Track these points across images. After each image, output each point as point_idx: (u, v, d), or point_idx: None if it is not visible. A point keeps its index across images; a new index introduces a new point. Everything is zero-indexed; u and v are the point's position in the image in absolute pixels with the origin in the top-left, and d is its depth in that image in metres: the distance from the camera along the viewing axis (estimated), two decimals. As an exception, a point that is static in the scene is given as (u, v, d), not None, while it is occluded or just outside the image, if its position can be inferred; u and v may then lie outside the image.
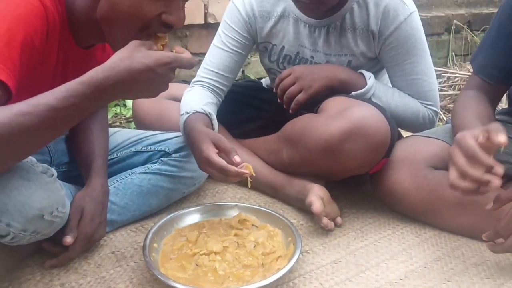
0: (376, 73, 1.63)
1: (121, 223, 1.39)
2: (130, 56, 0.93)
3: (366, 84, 1.50)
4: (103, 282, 1.19)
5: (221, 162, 1.27)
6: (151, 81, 0.95)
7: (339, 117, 1.37)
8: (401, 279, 1.23)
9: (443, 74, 2.85)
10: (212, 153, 1.29)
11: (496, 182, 1.04)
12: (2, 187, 0.98)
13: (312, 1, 1.41)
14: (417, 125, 1.58)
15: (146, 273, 1.21)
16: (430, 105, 1.56)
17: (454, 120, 1.39)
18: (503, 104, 2.13)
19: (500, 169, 1.05)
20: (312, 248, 1.34)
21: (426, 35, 2.79)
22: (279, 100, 1.56)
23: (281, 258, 1.20)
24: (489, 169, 1.05)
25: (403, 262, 1.29)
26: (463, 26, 3.10)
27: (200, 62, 1.63)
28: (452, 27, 3.08)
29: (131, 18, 1.02)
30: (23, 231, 1.04)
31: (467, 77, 2.51)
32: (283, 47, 1.63)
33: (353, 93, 1.50)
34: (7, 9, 0.94)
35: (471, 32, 3.17)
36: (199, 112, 1.49)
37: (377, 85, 1.53)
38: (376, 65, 1.61)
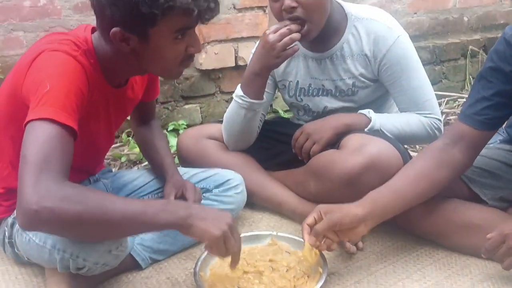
0: (382, 97, 1.85)
1: (172, 252, 1.61)
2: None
3: (369, 119, 1.71)
4: (162, 303, 1.42)
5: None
6: None
7: (357, 153, 1.58)
8: (415, 296, 1.42)
9: (458, 100, 3.00)
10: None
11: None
12: None
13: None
14: (427, 136, 1.76)
15: (196, 295, 1.43)
16: (429, 114, 1.75)
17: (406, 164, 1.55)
18: None
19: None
20: (338, 271, 1.54)
21: (443, 61, 2.96)
22: (299, 158, 1.77)
23: (310, 280, 1.41)
24: None
25: (417, 281, 1.48)
26: (478, 50, 3.24)
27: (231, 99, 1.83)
28: (468, 52, 3.23)
29: (170, 59, 1.33)
30: (95, 264, 1.31)
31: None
32: (298, 81, 1.87)
33: (366, 129, 1.70)
34: (59, 67, 1.23)
35: (486, 56, 3.28)
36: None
37: (379, 116, 1.73)
38: (379, 87, 1.81)
